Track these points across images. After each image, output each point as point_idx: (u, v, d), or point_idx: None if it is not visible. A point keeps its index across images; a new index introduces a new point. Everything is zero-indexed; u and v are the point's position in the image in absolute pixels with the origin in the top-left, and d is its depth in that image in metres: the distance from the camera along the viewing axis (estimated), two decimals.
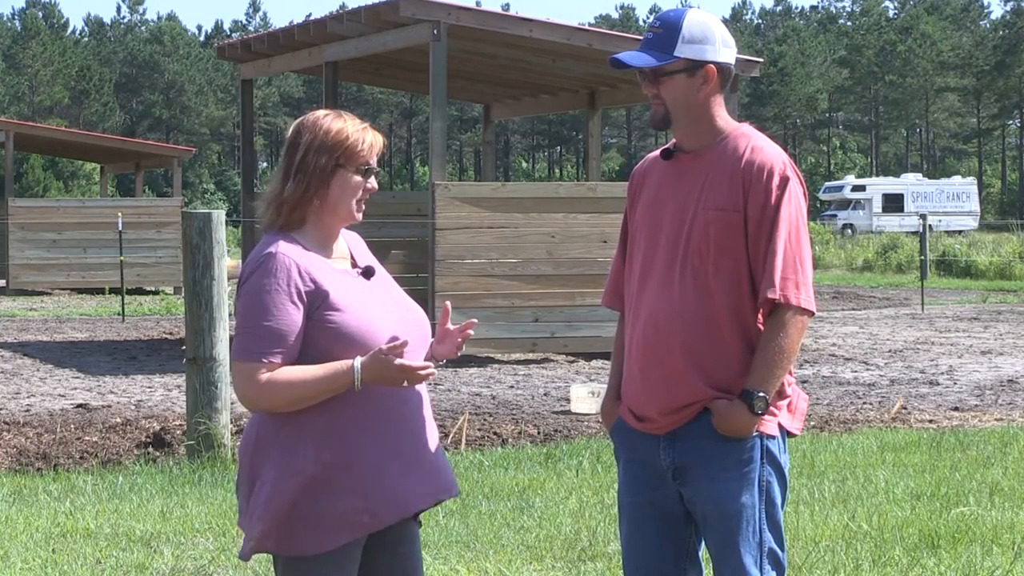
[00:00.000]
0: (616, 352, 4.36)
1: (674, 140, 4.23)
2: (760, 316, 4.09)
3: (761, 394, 4.02)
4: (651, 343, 4.12)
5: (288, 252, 3.78)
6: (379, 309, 3.83)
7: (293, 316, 3.74)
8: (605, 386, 4.57)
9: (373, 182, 3.90)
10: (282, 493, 3.75)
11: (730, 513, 4.08)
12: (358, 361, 3.72)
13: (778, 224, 4.04)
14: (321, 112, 3.91)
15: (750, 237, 4.06)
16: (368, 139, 3.86)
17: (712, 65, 4.12)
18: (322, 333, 3.75)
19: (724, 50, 4.15)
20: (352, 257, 3.96)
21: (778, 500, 4.15)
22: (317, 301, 3.76)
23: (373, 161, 3.88)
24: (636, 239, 4.24)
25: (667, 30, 4.12)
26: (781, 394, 4.13)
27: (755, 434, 4.08)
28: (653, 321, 4.11)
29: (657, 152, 4.30)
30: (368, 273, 3.91)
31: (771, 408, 4.08)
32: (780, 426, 4.14)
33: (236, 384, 3.79)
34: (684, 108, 4.12)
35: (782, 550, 4.16)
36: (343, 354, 3.75)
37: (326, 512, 3.76)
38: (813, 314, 4.10)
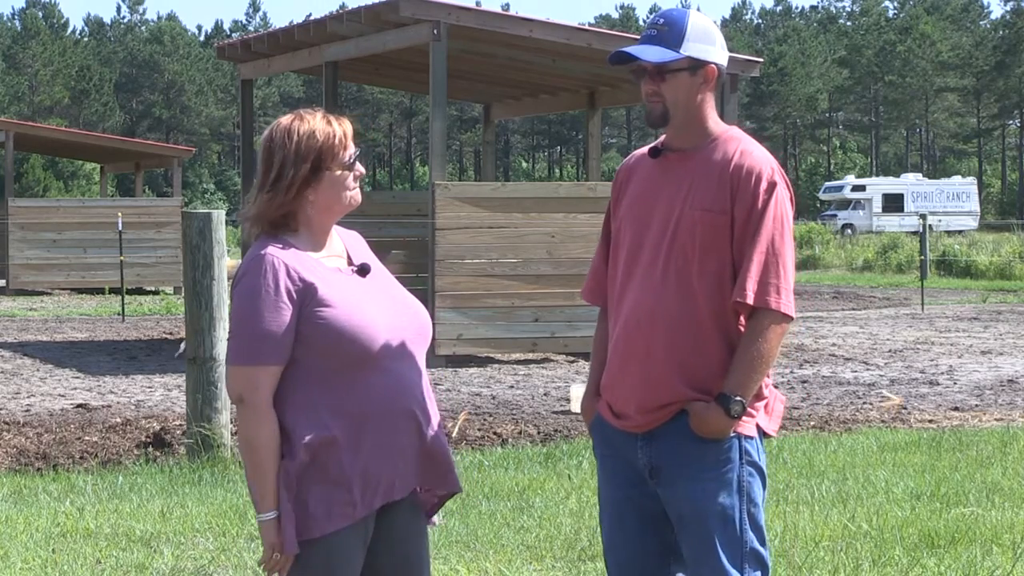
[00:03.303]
0: (597, 348, 4.36)
1: (662, 138, 4.23)
2: (742, 319, 4.10)
3: (738, 398, 4.03)
4: (632, 341, 4.12)
5: (278, 254, 3.81)
6: (372, 306, 3.85)
7: (284, 317, 3.77)
8: None
9: (359, 166, 3.93)
10: (287, 471, 3.78)
11: (708, 513, 4.07)
12: (269, 515, 3.78)
13: (763, 228, 4.04)
14: (284, 120, 3.91)
15: (736, 240, 4.06)
16: (337, 132, 3.88)
17: (713, 66, 4.13)
18: (314, 330, 3.78)
19: (721, 52, 4.17)
20: (348, 255, 3.97)
21: (759, 500, 4.15)
22: (307, 298, 3.79)
23: (351, 149, 3.90)
24: (620, 236, 4.24)
25: (672, 28, 4.12)
26: (759, 395, 4.13)
27: (733, 435, 4.08)
28: (635, 319, 4.12)
29: (644, 150, 4.29)
30: (363, 271, 3.93)
31: (749, 409, 4.09)
32: (758, 427, 4.15)
33: (230, 387, 3.84)
34: (683, 107, 4.13)
35: (765, 549, 4.16)
36: (336, 350, 3.78)
37: (323, 493, 3.78)
38: (792, 319, 4.11)
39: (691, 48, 4.10)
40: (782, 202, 4.08)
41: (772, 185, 4.07)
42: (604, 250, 4.34)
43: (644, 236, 4.15)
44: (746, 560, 4.10)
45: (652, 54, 4.10)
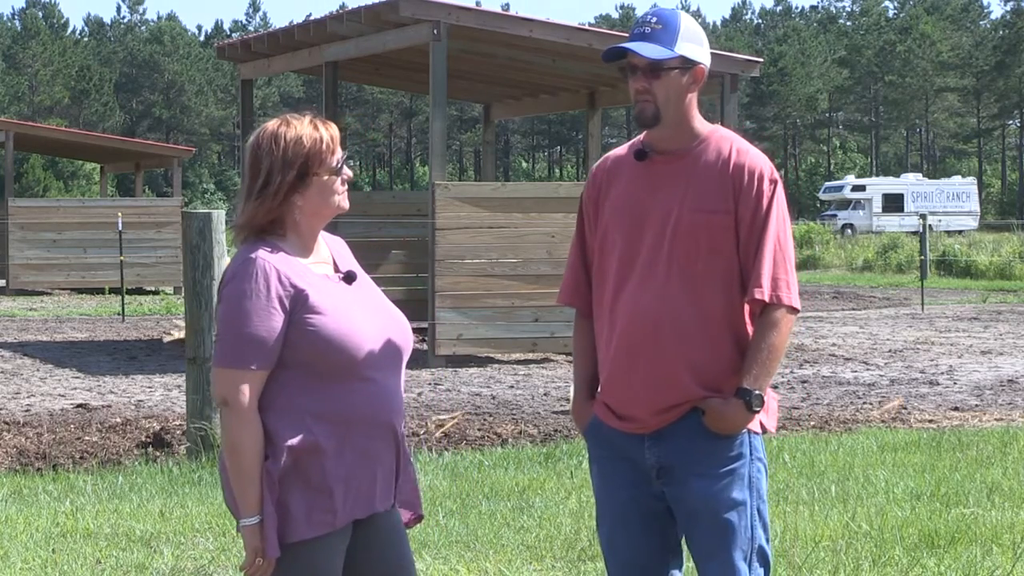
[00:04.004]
0: (582, 351, 4.34)
1: (641, 139, 4.23)
2: (747, 315, 4.12)
3: (757, 392, 4.06)
4: (639, 344, 4.11)
5: (268, 257, 3.79)
6: (361, 314, 3.84)
7: (273, 322, 3.75)
8: None
9: (347, 170, 3.91)
10: (269, 472, 3.77)
11: (723, 510, 4.09)
12: (252, 520, 3.74)
13: (769, 226, 4.08)
14: (270, 125, 3.87)
15: (741, 239, 4.09)
16: (324, 137, 3.85)
17: (702, 66, 4.15)
18: (303, 337, 3.76)
19: (708, 54, 4.20)
20: (334, 262, 3.96)
21: (765, 496, 4.18)
22: (297, 305, 3.76)
23: (339, 154, 3.88)
24: (608, 240, 4.21)
25: (666, 26, 4.12)
26: None
27: (743, 430, 4.11)
28: (639, 322, 4.11)
29: (622, 151, 4.28)
30: (349, 278, 3.91)
31: None
32: (760, 423, 4.17)
33: (215, 389, 3.82)
34: (674, 106, 4.13)
35: (769, 547, 4.18)
36: (324, 357, 3.76)
37: (304, 499, 3.77)
38: (799, 312, 4.17)
39: (684, 48, 4.11)
40: (782, 199, 4.14)
41: (774, 183, 4.12)
42: (580, 251, 4.33)
43: (639, 240, 4.14)
44: (754, 556, 4.12)
45: (649, 51, 4.10)
